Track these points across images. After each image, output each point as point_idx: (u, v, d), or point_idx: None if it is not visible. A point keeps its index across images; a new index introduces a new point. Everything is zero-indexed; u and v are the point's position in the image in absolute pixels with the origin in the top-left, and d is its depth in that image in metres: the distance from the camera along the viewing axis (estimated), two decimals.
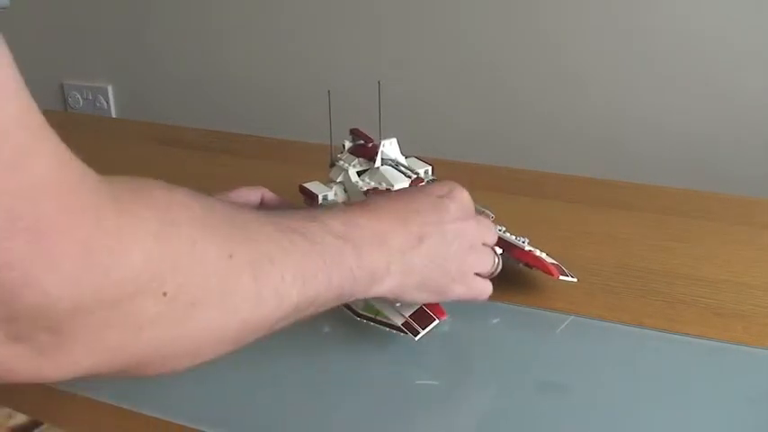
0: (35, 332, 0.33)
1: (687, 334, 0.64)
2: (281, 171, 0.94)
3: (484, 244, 0.58)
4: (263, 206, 0.74)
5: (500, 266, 0.59)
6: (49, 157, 0.33)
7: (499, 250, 0.64)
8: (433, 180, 0.72)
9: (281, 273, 0.44)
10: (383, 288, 0.52)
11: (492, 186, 0.90)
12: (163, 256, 0.37)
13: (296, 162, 0.98)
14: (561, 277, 0.67)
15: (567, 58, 1.21)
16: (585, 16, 1.18)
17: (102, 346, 0.36)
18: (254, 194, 0.73)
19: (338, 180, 0.71)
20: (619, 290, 0.70)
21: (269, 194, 0.74)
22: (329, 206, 0.56)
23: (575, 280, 0.67)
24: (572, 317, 0.65)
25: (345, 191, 0.70)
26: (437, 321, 0.58)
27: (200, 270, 0.39)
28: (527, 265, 0.68)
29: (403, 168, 0.71)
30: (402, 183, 0.68)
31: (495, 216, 0.71)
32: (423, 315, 0.58)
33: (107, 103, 1.64)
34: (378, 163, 0.70)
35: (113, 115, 1.65)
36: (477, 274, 0.58)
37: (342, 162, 0.71)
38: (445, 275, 0.55)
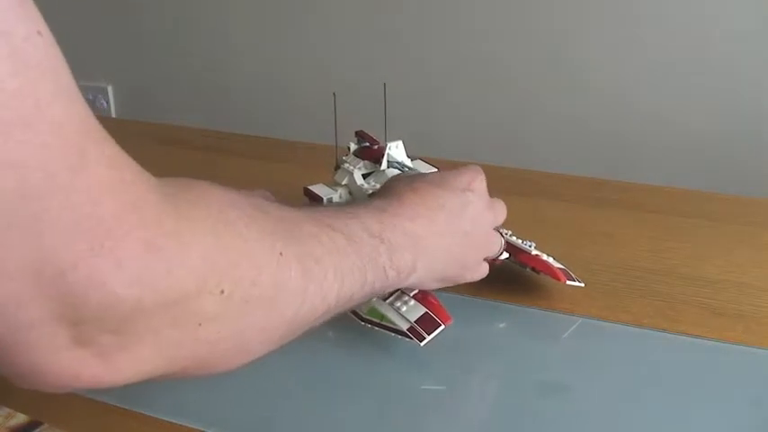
0: (100, 335, 0.34)
1: (687, 334, 0.64)
2: (281, 171, 0.94)
3: (495, 228, 0.62)
4: None
5: (503, 249, 0.63)
6: (108, 159, 0.33)
7: (505, 255, 0.66)
8: None
9: (325, 270, 0.45)
10: (407, 282, 0.54)
11: (492, 186, 0.90)
12: (220, 254, 0.38)
13: (297, 162, 0.98)
14: (568, 282, 0.66)
15: (568, 59, 1.21)
16: (587, 19, 1.18)
17: (164, 346, 0.36)
18: (254, 196, 0.73)
19: (343, 183, 0.70)
20: (619, 290, 0.70)
21: (270, 197, 0.74)
22: (365, 202, 0.57)
23: (582, 285, 0.67)
24: (580, 320, 0.65)
25: (350, 193, 0.70)
26: (443, 327, 0.58)
27: (254, 267, 0.40)
28: (534, 269, 0.68)
29: (408, 171, 0.70)
30: None
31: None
32: (428, 320, 0.58)
33: (107, 103, 1.64)
34: (384, 165, 0.70)
35: (113, 115, 1.65)
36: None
37: (347, 165, 0.71)
38: (462, 267, 0.59)
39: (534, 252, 0.67)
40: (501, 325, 0.65)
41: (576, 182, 0.94)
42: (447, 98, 1.31)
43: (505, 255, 0.67)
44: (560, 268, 0.67)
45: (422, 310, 0.58)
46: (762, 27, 1.09)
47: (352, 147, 0.73)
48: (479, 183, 0.60)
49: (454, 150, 1.09)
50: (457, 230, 0.57)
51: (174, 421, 0.54)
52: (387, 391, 0.58)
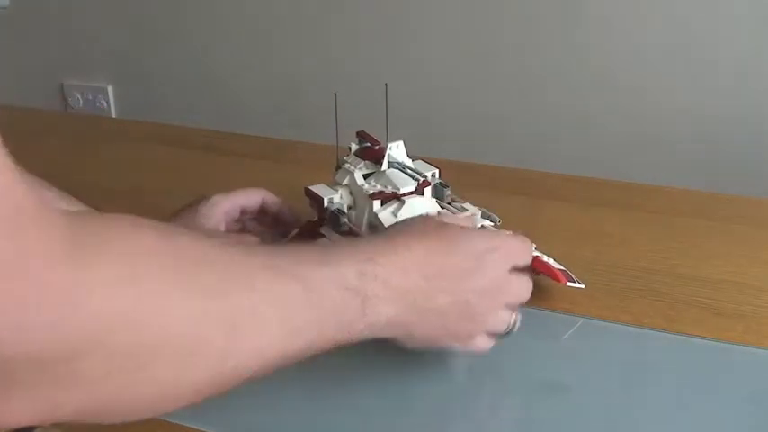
0: None
1: (687, 334, 0.64)
2: (281, 172, 0.94)
3: (508, 304, 0.55)
4: (263, 209, 0.74)
5: (517, 326, 0.56)
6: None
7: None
8: (440, 184, 0.72)
9: (262, 325, 0.41)
10: (383, 335, 0.49)
11: (492, 186, 0.90)
12: (117, 313, 0.34)
13: (297, 163, 0.98)
14: (569, 284, 0.66)
15: (568, 60, 1.21)
16: (587, 19, 1.18)
17: (42, 400, 0.33)
18: (254, 197, 0.73)
19: (344, 183, 0.70)
20: (619, 290, 0.70)
21: (269, 197, 0.74)
22: (355, 243, 0.52)
23: (582, 286, 0.66)
24: (580, 320, 0.65)
25: (351, 194, 0.70)
26: None
27: (159, 328, 0.36)
28: (534, 270, 0.66)
29: (410, 171, 0.70)
30: (409, 186, 0.68)
31: (501, 221, 0.71)
32: None
33: (107, 103, 1.64)
34: (384, 166, 0.70)
35: (113, 115, 1.65)
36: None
37: (348, 165, 0.71)
38: (452, 337, 0.53)
39: (534, 253, 0.66)
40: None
41: (576, 182, 0.94)
42: (447, 98, 1.31)
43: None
44: (561, 269, 0.66)
45: None
46: (762, 27, 1.09)
47: (353, 147, 0.73)
48: (506, 253, 0.54)
49: (454, 150, 1.09)
50: (457, 297, 0.51)
51: (174, 421, 0.54)
52: (386, 391, 0.58)
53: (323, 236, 0.69)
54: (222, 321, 0.39)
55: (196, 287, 0.38)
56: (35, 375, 0.32)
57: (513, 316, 0.55)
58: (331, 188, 0.71)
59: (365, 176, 0.70)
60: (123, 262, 0.35)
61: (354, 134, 0.74)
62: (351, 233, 0.68)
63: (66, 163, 0.96)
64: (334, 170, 0.72)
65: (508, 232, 0.63)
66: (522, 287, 0.56)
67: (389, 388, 0.58)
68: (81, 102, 1.66)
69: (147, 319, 0.35)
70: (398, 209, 0.67)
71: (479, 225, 0.66)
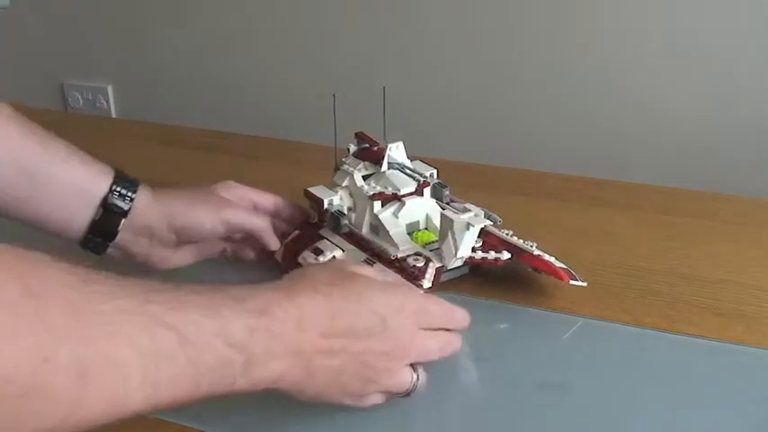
0: None
1: (687, 334, 0.64)
2: (281, 171, 0.94)
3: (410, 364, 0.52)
4: (276, 212, 0.72)
5: (419, 385, 0.53)
6: None
7: (507, 255, 0.65)
8: (439, 184, 0.71)
9: (123, 376, 0.38)
10: (265, 387, 0.46)
11: (492, 186, 0.90)
12: None
13: (297, 163, 0.98)
14: (572, 282, 0.65)
15: (567, 59, 1.21)
16: (586, 17, 1.18)
17: None
18: (268, 196, 0.72)
19: (343, 184, 0.70)
20: (619, 290, 0.70)
21: (282, 202, 0.73)
22: (252, 290, 0.46)
23: (584, 284, 0.66)
24: (580, 320, 0.65)
25: (351, 195, 0.70)
26: None
27: None
28: (536, 269, 0.67)
29: (409, 172, 0.70)
30: (409, 187, 0.68)
31: (502, 221, 0.71)
32: None
33: (107, 103, 1.64)
34: (384, 167, 0.70)
35: (113, 115, 1.65)
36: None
37: (347, 166, 0.71)
38: (344, 394, 0.50)
39: (536, 252, 0.67)
40: (501, 325, 0.65)
41: (576, 182, 0.94)
42: (447, 98, 1.31)
43: (507, 255, 0.66)
44: (562, 268, 0.67)
45: None
46: (762, 26, 1.09)
47: (352, 148, 0.73)
48: (416, 313, 0.51)
49: (454, 150, 1.09)
50: (355, 357, 0.48)
51: (174, 421, 0.54)
52: None
53: (323, 237, 0.69)
54: (68, 370, 0.35)
55: (40, 331, 0.35)
56: None
57: (415, 376, 0.52)
58: (330, 190, 0.70)
59: (364, 177, 0.70)
60: None
61: (353, 135, 0.74)
62: (351, 235, 0.68)
63: None
64: (333, 171, 0.72)
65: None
66: (430, 347, 0.53)
67: None
68: (81, 102, 1.66)
69: None
70: (399, 209, 0.68)
71: (481, 225, 0.65)
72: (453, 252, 0.64)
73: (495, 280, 0.70)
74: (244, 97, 1.49)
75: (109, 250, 0.66)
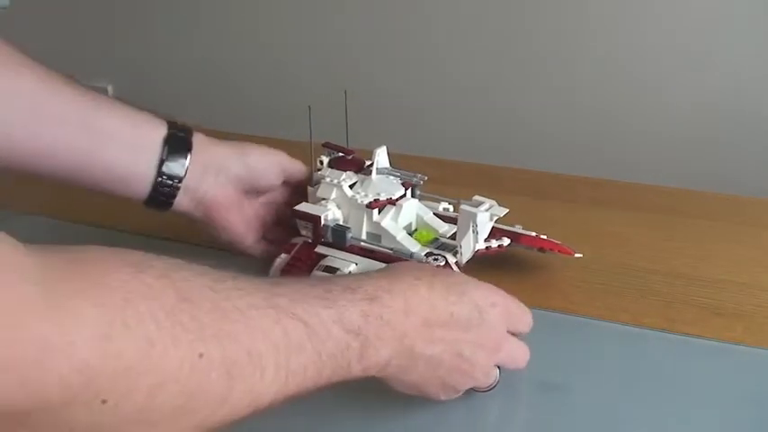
0: None
1: (687, 334, 0.64)
2: None
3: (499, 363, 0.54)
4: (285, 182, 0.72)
5: (495, 386, 0.54)
6: None
7: (507, 241, 0.67)
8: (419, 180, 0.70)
9: (261, 369, 0.39)
10: (373, 374, 0.48)
11: (492, 186, 0.90)
12: (104, 363, 0.32)
13: None
14: (576, 255, 0.69)
15: (566, 57, 1.21)
16: (585, 16, 1.18)
17: None
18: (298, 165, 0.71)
19: (332, 197, 0.67)
20: (619, 290, 0.70)
21: (302, 174, 0.71)
22: (359, 279, 0.48)
23: (580, 255, 0.69)
24: (580, 320, 0.65)
25: (339, 207, 0.68)
26: None
27: (153, 375, 0.34)
28: (540, 249, 0.69)
29: (394, 177, 0.69)
30: (400, 190, 0.68)
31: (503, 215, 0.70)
32: None
33: None
34: (374, 174, 0.68)
35: None
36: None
37: (329, 178, 0.68)
38: (438, 386, 0.52)
39: (532, 233, 0.69)
40: None
41: (576, 182, 0.94)
42: (447, 98, 1.31)
43: (507, 241, 0.68)
44: (560, 243, 0.69)
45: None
46: (762, 26, 1.09)
47: (325, 159, 0.71)
48: (507, 311, 0.53)
49: (454, 150, 1.09)
50: (454, 347, 0.50)
51: None
52: (382, 387, 0.58)
53: (324, 255, 0.66)
54: (220, 364, 0.37)
55: (193, 330, 0.36)
56: (31, 424, 0.32)
57: (498, 372, 0.54)
58: (317, 205, 0.67)
59: (350, 187, 0.68)
60: (115, 305, 0.34)
61: (321, 146, 0.72)
62: (352, 249, 0.66)
63: None
64: (310, 187, 0.70)
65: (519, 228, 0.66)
66: (519, 351, 0.54)
67: (387, 388, 0.58)
68: None
69: (139, 366, 0.34)
70: (397, 214, 0.67)
71: (502, 213, 0.67)
72: (472, 246, 0.64)
73: (495, 280, 0.70)
74: (244, 97, 1.49)
75: (177, 199, 0.65)
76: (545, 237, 0.69)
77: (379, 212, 0.66)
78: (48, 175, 0.61)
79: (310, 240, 0.67)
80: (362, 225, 0.66)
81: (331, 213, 0.67)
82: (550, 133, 1.26)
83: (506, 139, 1.29)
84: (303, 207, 0.67)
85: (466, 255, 0.64)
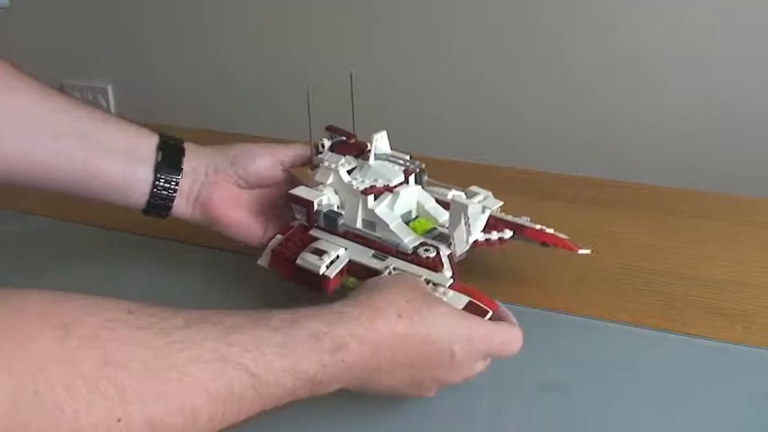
0: None
1: (687, 334, 0.64)
2: None
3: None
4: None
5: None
6: None
7: (509, 233, 0.65)
8: (419, 169, 0.68)
9: (194, 420, 0.39)
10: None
11: (492, 186, 0.90)
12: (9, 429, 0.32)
13: None
14: (581, 251, 0.66)
15: (566, 57, 1.21)
16: (584, 15, 1.18)
17: None
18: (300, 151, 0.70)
19: (328, 182, 0.66)
20: (619, 290, 0.70)
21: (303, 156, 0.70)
22: (329, 319, 0.47)
23: (589, 251, 0.66)
24: (580, 320, 0.65)
25: (336, 192, 0.67)
26: (491, 313, 0.55)
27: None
28: (544, 244, 0.66)
29: (393, 160, 0.67)
30: (398, 177, 0.65)
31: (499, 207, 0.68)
32: (475, 308, 0.55)
33: (107, 103, 1.64)
34: (372, 159, 0.67)
35: None
36: None
37: (327, 162, 0.67)
38: (389, 396, 0.52)
39: (536, 227, 0.66)
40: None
41: (576, 182, 0.94)
42: (446, 97, 1.31)
43: (509, 233, 0.65)
44: (567, 239, 0.66)
45: (464, 299, 0.55)
46: (762, 26, 1.09)
47: (326, 143, 0.69)
48: (487, 346, 0.52)
49: (454, 150, 1.09)
50: (412, 380, 0.50)
51: None
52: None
53: (316, 239, 0.65)
54: (141, 427, 0.37)
55: (116, 392, 0.36)
56: None
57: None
58: (313, 189, 0.66)
59: (348, 172, 0.67)
60: (28, 372, 0.34)
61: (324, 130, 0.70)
62: (346, 233, 0.65)
63: None
64: (310, 170, 0.69)
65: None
66: (478, 368, 0.54)
67: None
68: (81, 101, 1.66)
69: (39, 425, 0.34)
70: (393, 201, 0.65)
71: (496, 206, 0.65)
72: (465, 238, 0.61)
73: (495, 280, 0.70)
74: (244, 97, 1.49)
75: (175, 203, 0.66)
76: (551, 231, 0.67)
77: (375, 199, 0.64)
78: (45, 188, 0.62)
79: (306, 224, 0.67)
80: (358, 211, 0.64)
81: (326, 198, 0.65)
82: (551, 133, 1.26)
83: (507, 138, 1.29)
84: (298, 191, 0.66)
85: (460, 247, 0.62)
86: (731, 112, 1.14)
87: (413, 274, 0.59)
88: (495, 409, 0.57)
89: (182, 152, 0.67)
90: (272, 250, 0.66)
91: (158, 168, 0.64)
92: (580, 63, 1.21)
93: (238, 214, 0.68)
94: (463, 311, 0.54)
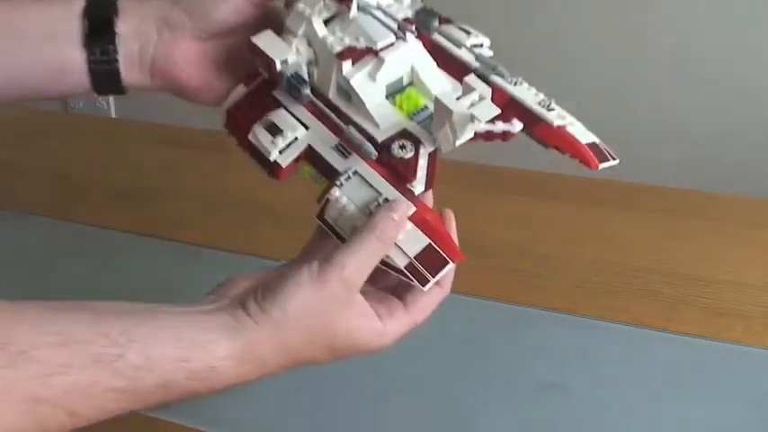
0: None
1: (687, 334, 0.64)
2: None
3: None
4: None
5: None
6: None
7: (519, 126, 0.50)
8: (424, 11, 0.55)
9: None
10: None
11: (492, 186, 0.90)
12: None
13: None
14: (601, 166, 0.50)
15: (566, 56, 1.21)
16: (585, 14, 1.18)
17: None
18: None
19: (300, 33, 0.51)
20: (619, 290, 0.70)
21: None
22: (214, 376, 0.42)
23: (616, 161, 0.51)
24: (579, 320, 0.65)
25: (310, 45, 0.51)
26: (452, 265, 0.44)
27: None
28: (557, 148, 0.50)
29: (382, 15, 0.51)
30: (387, 38, 0.50)
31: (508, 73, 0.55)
32: (433, 256, 0.44)
33: (107, 103, 1.64)
34: (353, 12, 0.51)
35: (113, 115, 1.65)
36: None
37: (302, 5, 0.51)
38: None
39: (557, 122, 0.50)
40: (501, 325, 0.65)
41: (576, 182, 0.94)
42: None
43: (518, 126, 0.50)
44: (590, 144, 0.51)
45: (423, 241, 0.44)
46: (763, 26, 1.09)
47: None
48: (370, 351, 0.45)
49: (453, 150, 1.09)
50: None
51: (173, 421, 0.54)
52: (384, 391, 0.58)
53: (279, 104, 0.51)
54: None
55: None
56: None
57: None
58: (282, 39, 0.51)
59: (326, 22, 0.51)
60: None
61: None
62: (314, 107, 0.50)
63: (67, 163, 0.96)
64: (284, 9, 0.54)
65: None
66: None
67: (388, 388, 0.58)
68: (81, 102, 1.66)
69: None
70: (376, 69, 0.49)
71: (493, 114, 0.46)
72: (452, 141, 0.48)
73: (496, 280, 0.70)
74: None
75: (126, 74, 0.55)
76: (571, 123, 0.51)
77: (353, 63, 0.49)
78: None
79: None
80: (331, 78, 0.50)
81: (292, 56, 0.50)
82: None
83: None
84: (261, 41, 0.51)
85: (445, 147, 0.48)
86: (731, 112, 1.14)
87: (370, 191, 0.46)
88: (495, 408, 0.57)
89: (114, 12, 0.55)
90: (228, 110, 0.54)
91: (87, 40, 0.54)
92: (580, 63, 1.21)
93: (206, 75, 0.56)
94: (377, 347, 0.45)
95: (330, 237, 0.47)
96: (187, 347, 0.40)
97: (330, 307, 0.43)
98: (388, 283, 0.47)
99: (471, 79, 0.48)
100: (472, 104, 0.46)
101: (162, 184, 0.91)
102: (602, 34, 1.18)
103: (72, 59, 0.55)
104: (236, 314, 0.42)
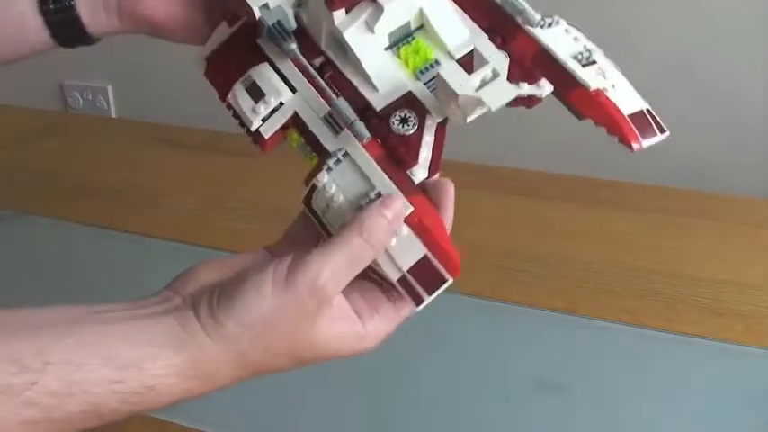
0: None
1: (687, 334, 0.64)
2: (282, 171, 0.94)
3: None
4: None
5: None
6: None
7: (549, 89, 0.42)
8: None
9: None
10: None
11: (492, 186, 0.90)
12: None
13: (298, 162, 0.98)
14: (644, 143, 0.40)
15: None
16: (585, 13, 1.18)
17: None
18: None
19: None
20: (619, 290, 0.70)
21: None
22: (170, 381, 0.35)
23: (665, 135, 0.42)
24: (579, 320, 0.65)
25: None
26: (449, 282, 0.37)
27: None
28: (594, 121, 0.40)
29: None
30: None
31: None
32: (428, 271, 0.37)
33: (107, 103, 1.64)
34: None
35: (113, 115, 1.65)
36: None
37: None
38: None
39: (594, 84, 0.39)
40: (501, 325, 0.65)
41: (576, 182, 0.94)
42: None
43: (548, 89, 0.43)
44: (633, 114, 0.40)
45: (420, 251, 0.37)
46: (762, 26, 1.09)
47: None
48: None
49: (453, 150, 1.09)
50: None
51: (173, 421, 0.54)
52: (385, 391, 0.58)
53: (264, 57, 0.44)
54: None
55: None
56: None
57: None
58: None
59: None
60: None
61: None
62: (298, 63, 0.42)
63: (67, 163, 0.96)
64: None
65: None
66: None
67: (389, 388, 0.58)
68: (81, 102, 1.66)
69: None
70: (375, 17, 0.40)
71: (510, 97, 0.38)
72: (462, 119, 0.41)
73: (496, 280, 0.70)
74: None
75: (89, 20, 0.52)
76: (613, 95, 0.41)
77: (347, 11, 0.41)
78: None
79: None
80: (322, 28, 0.42)
81: (273, 1, 0.42)
82: (550, 133, 1.26)
83: (506, 138, 1.29)
84: None
85: (457, 122, 0.41)
86: (731, 112, 1.14)
87: (362, 182, 0.39)
88: (495, 408, 0.57)
89: None
90: (208, 58, 0.49)
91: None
92: None
93: (180, 10, 0.50)
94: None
95: (315, 226, 0.41)
96: (118, 367, 0.34)
97: (295, 320, 0.36)
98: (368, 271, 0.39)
99: (484, 45, 0.40)
100: (483, 83, 0.38)
101: (162, 184, 0.91)
102: (601, 33, 1.18)
103: (27, 14, 0.50)
104: (186, 320, 0.36)
